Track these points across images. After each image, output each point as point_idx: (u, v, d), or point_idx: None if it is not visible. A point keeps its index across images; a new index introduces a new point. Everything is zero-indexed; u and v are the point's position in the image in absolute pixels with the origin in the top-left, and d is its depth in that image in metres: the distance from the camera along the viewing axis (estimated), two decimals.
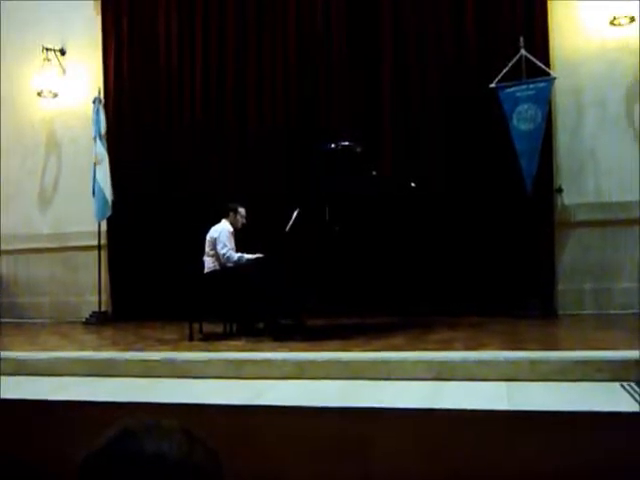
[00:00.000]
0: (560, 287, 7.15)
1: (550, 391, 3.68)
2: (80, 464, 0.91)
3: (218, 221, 6.56)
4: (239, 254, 6.33)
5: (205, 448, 0.95)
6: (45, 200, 9.15)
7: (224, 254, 6.30)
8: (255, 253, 6.25)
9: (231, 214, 6.58)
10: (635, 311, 6.45)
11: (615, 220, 7.03)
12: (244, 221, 6.64)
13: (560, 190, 7.18)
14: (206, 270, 6.46)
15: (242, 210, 6.64)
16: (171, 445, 0.91)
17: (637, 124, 7.06)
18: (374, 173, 6.24)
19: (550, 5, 7.23)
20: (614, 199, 7.07)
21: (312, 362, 4.40)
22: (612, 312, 6.84)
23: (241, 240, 6.57)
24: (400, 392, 3.83)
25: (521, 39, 6.84)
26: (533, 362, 4.03)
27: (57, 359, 5.01)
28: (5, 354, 5.16)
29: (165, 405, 3.68)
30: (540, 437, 3.07)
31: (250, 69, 8.18)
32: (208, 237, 6.49)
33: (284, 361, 4.47)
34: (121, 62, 8.71)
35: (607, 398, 3.48)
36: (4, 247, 9.07)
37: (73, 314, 8.61)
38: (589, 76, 7.19)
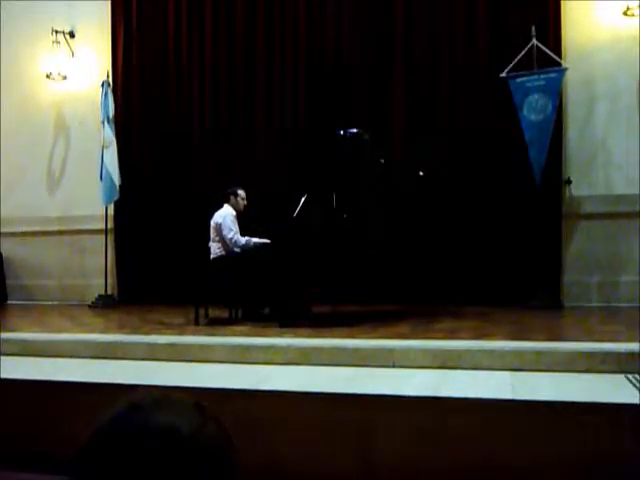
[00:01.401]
0: (566, 279, 7.13)
1: (555, 382, 3.69)
2: (86, 440, 0.86)
3: (222, 206, 6.57)
4: (246, 238, 6.34)
5: (217, 422, 0.91)
6: (53, 183, 9.16)
7: (231, 238, 6.31)
8: (262, 238, 6.26)
9: (232, 198, 6.59)
10: None
11: (623, 213, 6.98)
12: (245, 203, 6.65)
13: (569, 182, 7.14)
14: (212, 256, 6.47)
15: (242, 192, 6.64)
16: (182, 419, 0.87)
17: None
18: (382, 161, 6.22)
19: None
20: (623, 192, 7.03)
21: (317, 348, 4.41)
22: (617, 305, 6.82)
23: (248, 226, 6.56)
24: (405, 380, 3.84)
25: (533, 29, 6.78)
26: (538, 353, 4.04)
27: (63, 341, 5.04)
28: (12, 335, 5.20)
29: (170, 388, 3.69)
30: (544, 427, 3.07)
31: (259, 52, 8.13)
32: (212, 223, 6.49)
33: (289, 347, 4.48)
34: (130, 45, 8.68)
35: (611, 390, 3.48)
36: (12, 229, 9.10)
37: (80, 297, 8.63)
38: (601, 67, 7.13)
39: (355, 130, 6.18)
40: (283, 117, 8.01)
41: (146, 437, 0.84)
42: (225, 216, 6.42)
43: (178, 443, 0.84)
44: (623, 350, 3.93)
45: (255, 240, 6.30)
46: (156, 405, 0.89)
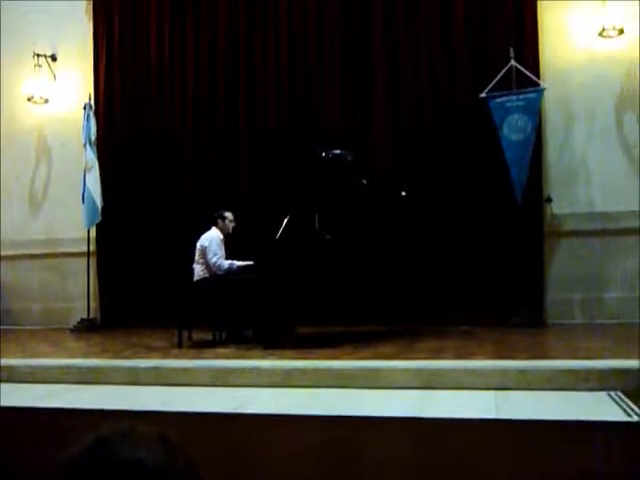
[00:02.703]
0: (549, 297, 7.17)
1: (538, 400, 3.69)
2: (54, 473, 0.88)
3: (208, 228, 6.56)
4: (229, 262, 6.32)
5: (183, 455, 0.92)
6: (35, 206, 9.11)
7: (214, 262, 6.29)
8: (245, 260, 6.25)
9: (219, 221, 6.57)
10: (623, 321, 6.49)
11: (604, 230, 7.06)
12: (234, 224, 6.63)
13: (549, 200, 7.21)
14: (195, 278, 6.44)
15: (229, 214, 6.63)
16: (147, 452, 0.88)
17: (626, 135, 7.11)
18: (364, 182, 6.25)
19: (540, 16, 7.29)
20: (603, 209, 7.11)
21: (301, 370, 4.40)
22: (601, 322, 6.86)
23: (231, 247, 6.55)
24: (389, 401, 3.83)
25: (511, 50, 6.88)
26: (521, 371, 4.05)
27: (45, 366, 4.98)
28: None
29: (152, 413, 3.66)
30: (528, 446, 3.07)
31: (241, 74, 8.17)
32: (198, 245, 6.47)
33: (273, 369, 4.46)
34: (112, 68, 8.69)
35: (594, 407, 3.49)
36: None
37: (62, 321, 8.54)
38: (578, 87, 7.24)
39: (337, 151, 6.21)
40: (267, 133, 8.02)
41: (112, 471, 0.85)
42: (212, 239, 6.40)
43: (143, 476, 0.85)
44: (606, 367, 3.95)
45: (238, 264, 6.28)
46: (122, 439, 0.90)
